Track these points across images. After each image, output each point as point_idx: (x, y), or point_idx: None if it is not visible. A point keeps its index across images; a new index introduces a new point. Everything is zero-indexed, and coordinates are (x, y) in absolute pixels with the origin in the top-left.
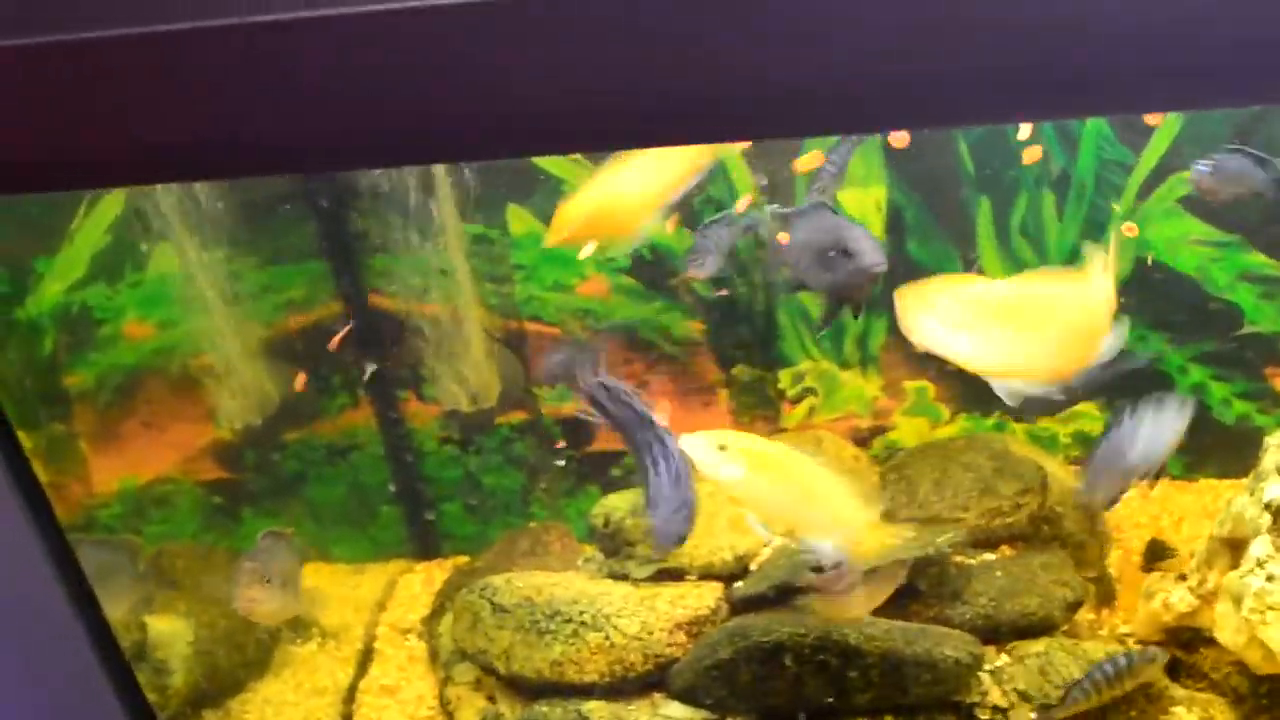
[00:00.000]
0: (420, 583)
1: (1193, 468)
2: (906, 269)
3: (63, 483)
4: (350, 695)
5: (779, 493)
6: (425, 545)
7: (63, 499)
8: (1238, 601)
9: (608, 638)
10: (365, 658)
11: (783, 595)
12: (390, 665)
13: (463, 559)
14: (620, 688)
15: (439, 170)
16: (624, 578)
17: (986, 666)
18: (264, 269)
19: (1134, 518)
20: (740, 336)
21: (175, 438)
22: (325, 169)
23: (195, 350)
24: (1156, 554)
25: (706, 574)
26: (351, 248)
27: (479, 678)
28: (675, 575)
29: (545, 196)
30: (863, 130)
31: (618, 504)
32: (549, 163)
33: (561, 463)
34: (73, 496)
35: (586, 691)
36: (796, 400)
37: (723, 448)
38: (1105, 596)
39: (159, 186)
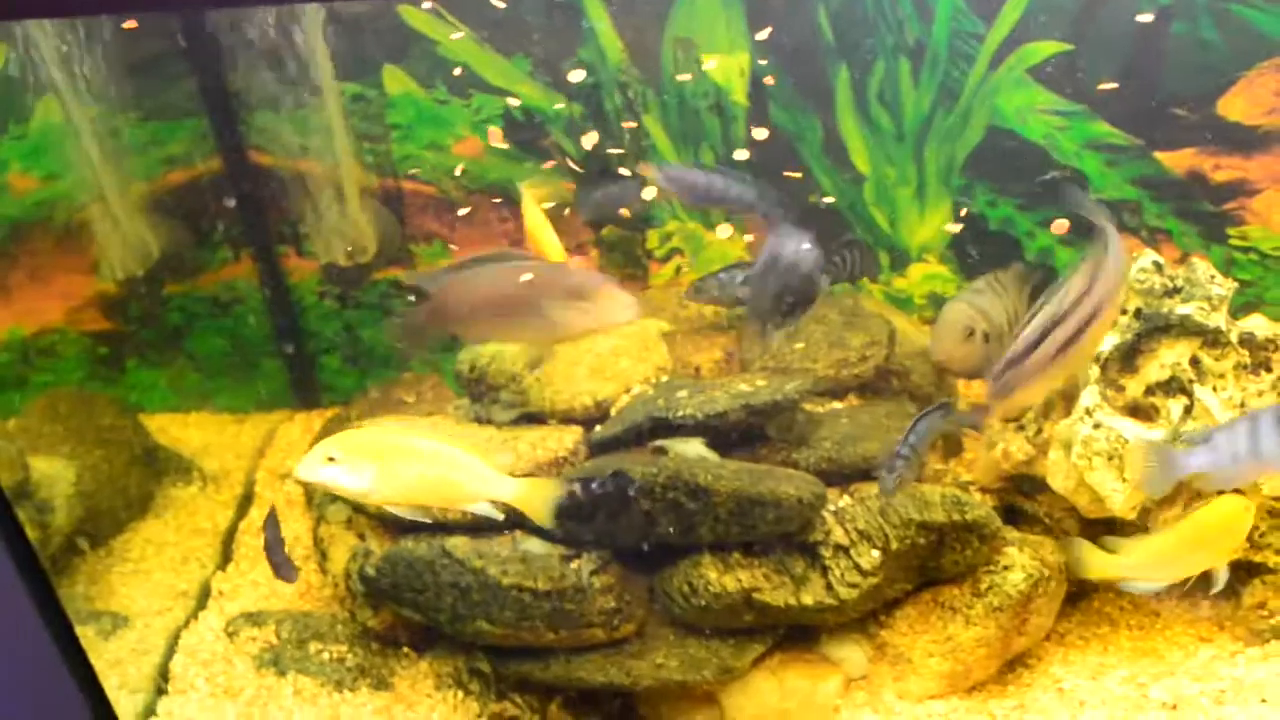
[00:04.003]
0: (299, 431)
1: None
2: (773, 135)
3: None
4: (229, 536)
5: (416, 475)
6: (305, 396)
7: None
8: (1067, 448)
9: None
10: (245, 501)
11: (638, 438)
12: (268, 507)
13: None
14: (482, 524)
15: (315, 29)
16: (489, 422)
17: (830, 507)
18: (145, 124)
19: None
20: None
21: (61, 289)
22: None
23: (79, 203)
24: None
25: (568, 418)
26: (231, 105)
27: (350, 517)
28: (537, 419)
29: (419, 58)
30: None
31: (482, 351)
32: (422, 24)
33: None
34: None
35: (451, 528)
36: (664, 259)
37: (331, 459)
38: (953, 449)
39: (41, 38)
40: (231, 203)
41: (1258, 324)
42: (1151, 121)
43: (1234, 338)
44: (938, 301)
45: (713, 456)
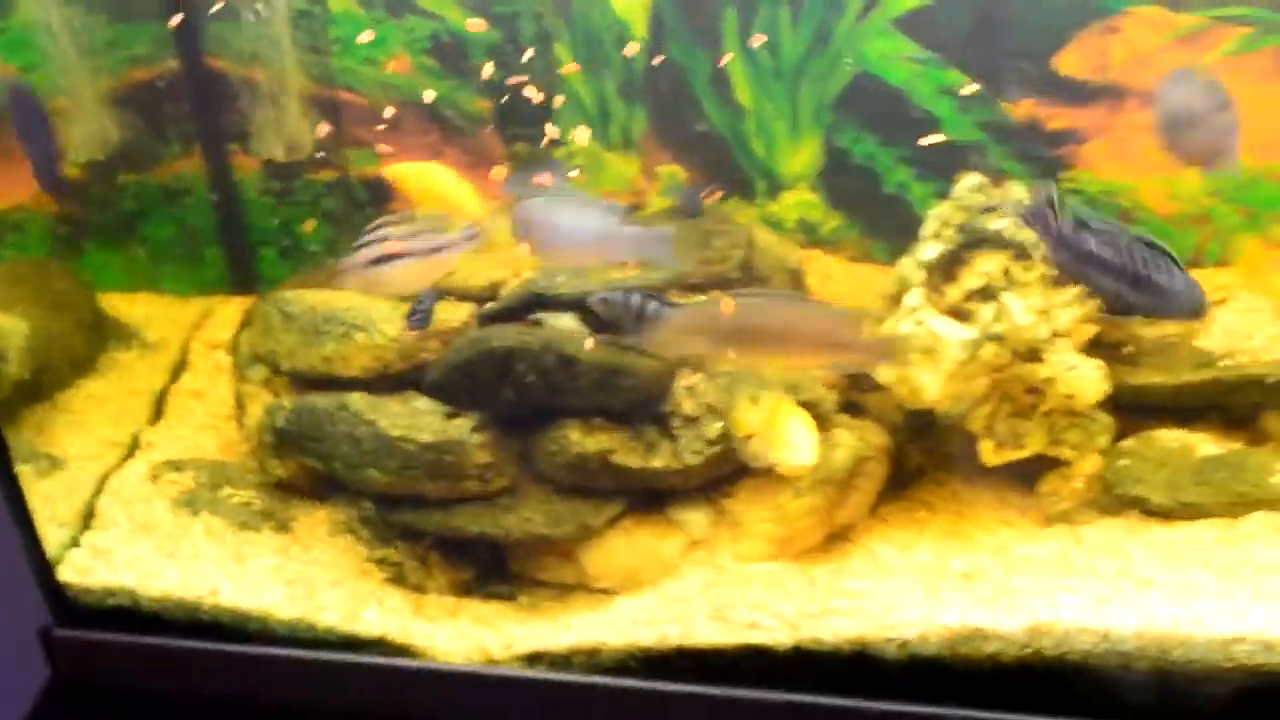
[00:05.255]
0: (236, 311)
1: (896, 254)
2: (667, 65)
3: None
4: (162, 397)
5: None
6: (243, 282)
7: None
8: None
9: (371, 338)
10: (179, 367)
11: (520, 313)
12: (199, 374)
13: None
14: (380, 383)
15: None
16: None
17: (683, 383)
18: (113, 26)
19: (842, 292)
20: (521, 115)
21: (30, 170)
22: None
23: (52, 92)
24: None
25: (465, 296)
26: (191, 13)
27: (268, 378)
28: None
29: None
30: None
31: (392, 231)
32: None
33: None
34: None
35: (352, 385)
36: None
37: None
38: None
39: None
40: (186, 102)
41: None
42: (997, 72)
43: (1040, 254)
44: (806, 226)
45: (582, 330)
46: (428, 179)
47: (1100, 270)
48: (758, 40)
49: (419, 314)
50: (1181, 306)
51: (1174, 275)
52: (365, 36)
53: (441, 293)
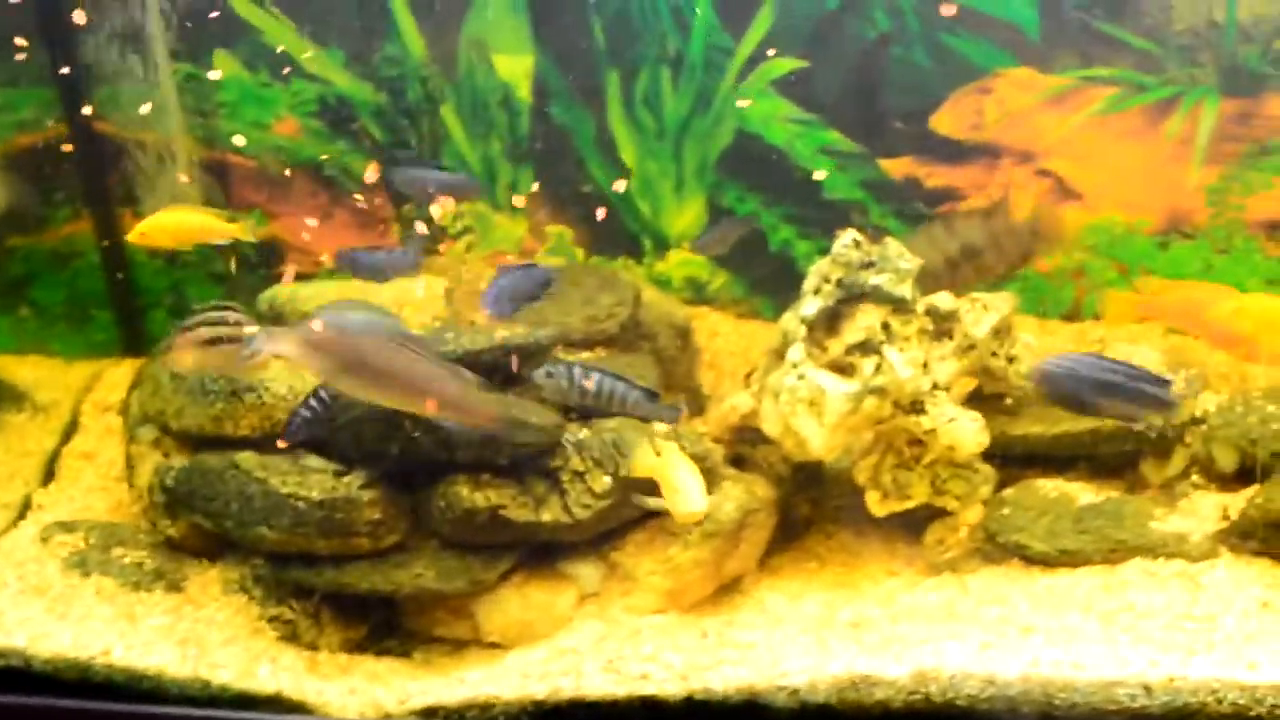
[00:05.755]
0: (126, 373)
1: (782, 310)
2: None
3: None
4: (53, 458)
5: None
6: (133, 345)
7: None
8: (776, 397)
9: (260, 398)
10: (70, 429)
11: None
12: (90, 435)
13: None
14: (269, 442)
15: (154, 15)
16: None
17: (570, 438)
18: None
19: (729, 347)
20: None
21: None
22: None
23: None
24: None
25: None
26: (79, 78)
27: (158, 437)
28: None
29: (250, 47)
30: None
31: (280, 291)
32: (251, 15)
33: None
34: None
35: (242, 444)
36: (457, 236)
37: None
38: (697, 408)
39: None
40: (74, 166)
41: (943, 298)
42: (874, 132)
43: (920, 308)
44: (694, 284)
45: None
46: (171, 226)
47: None
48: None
49: (296, 426)
50: None
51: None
52: (214, 74)
53: (313, 411)
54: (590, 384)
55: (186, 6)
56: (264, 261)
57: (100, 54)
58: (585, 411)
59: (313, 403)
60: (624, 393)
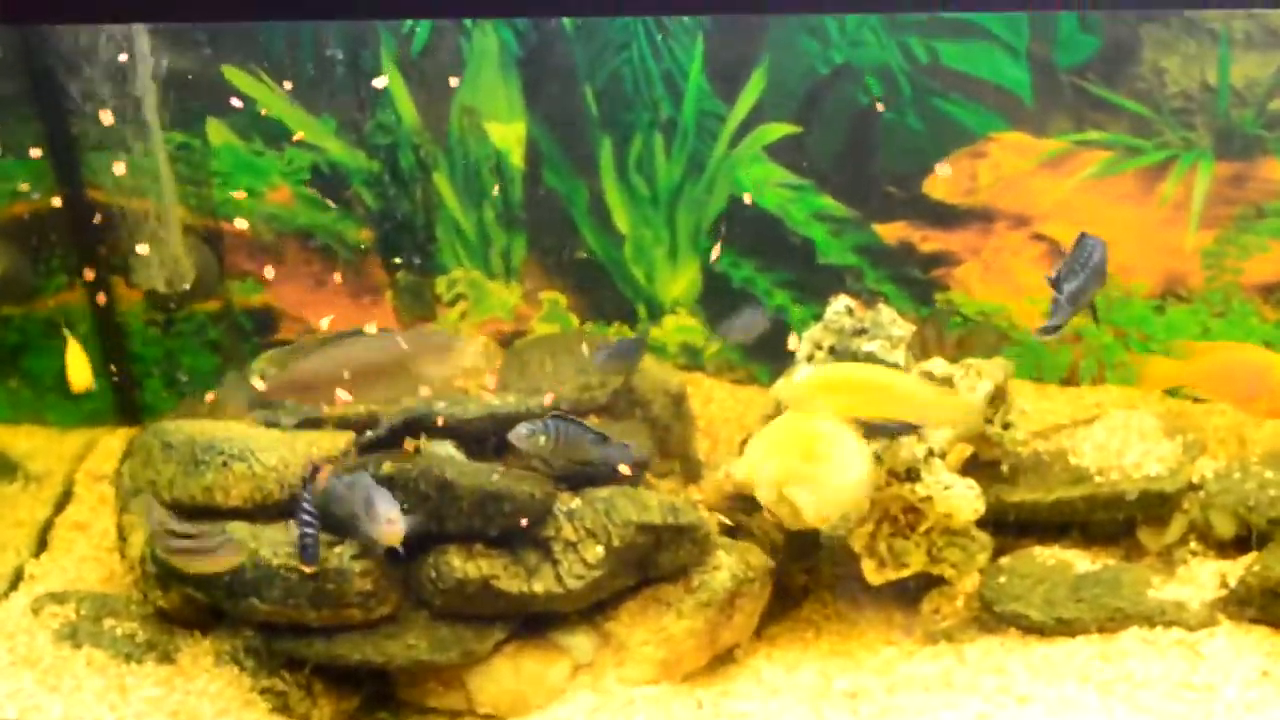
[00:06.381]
0: (120, 442)
1: (776, 375)
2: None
3: None
4: (46, 529)
5: None
6: (128, 414)
7: None
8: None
9: (250, 468)
10: (63, 499)
11: (400, 440)
12: (83, 505)
13: None
14: (260, 513)
15: (146, 82)
16: (276, 425)
17: (562, 508)
18: None
19: (724, 414)
20: (403, 245)
21: None
22: None
23: None
24: None
25: (343, 424)
26: (72, 147)
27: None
28: (316, 424)
29: (242, 116)
30: None
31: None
32: (243, 83)
33: None
34: None
35: (233, 515)
36: (451, 303)
37: None
38: (691, 475)
39: None
40: (68, 234)
41: (936, 364)
42: (868, 197)
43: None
44: (689, 350)
45: (461, 457)
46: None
47: None
48: None
49: (308, 548)
50: None
51: None
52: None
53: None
54: (548, 435)
55: (179, 76)
56: (257, 329)
57: (92, 123)
58: (549, 463)
59: (304, 518)
60: (577, 437)
